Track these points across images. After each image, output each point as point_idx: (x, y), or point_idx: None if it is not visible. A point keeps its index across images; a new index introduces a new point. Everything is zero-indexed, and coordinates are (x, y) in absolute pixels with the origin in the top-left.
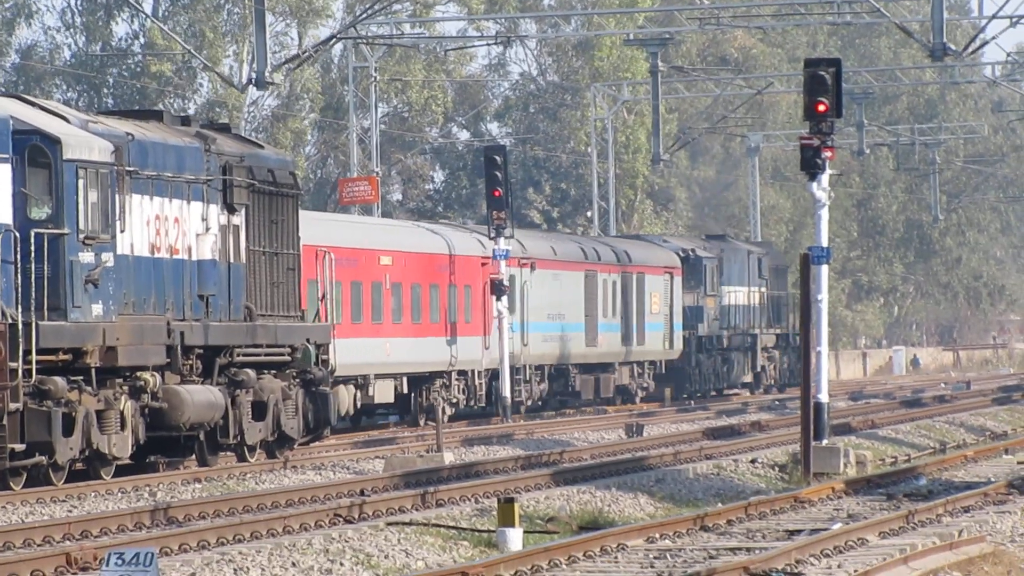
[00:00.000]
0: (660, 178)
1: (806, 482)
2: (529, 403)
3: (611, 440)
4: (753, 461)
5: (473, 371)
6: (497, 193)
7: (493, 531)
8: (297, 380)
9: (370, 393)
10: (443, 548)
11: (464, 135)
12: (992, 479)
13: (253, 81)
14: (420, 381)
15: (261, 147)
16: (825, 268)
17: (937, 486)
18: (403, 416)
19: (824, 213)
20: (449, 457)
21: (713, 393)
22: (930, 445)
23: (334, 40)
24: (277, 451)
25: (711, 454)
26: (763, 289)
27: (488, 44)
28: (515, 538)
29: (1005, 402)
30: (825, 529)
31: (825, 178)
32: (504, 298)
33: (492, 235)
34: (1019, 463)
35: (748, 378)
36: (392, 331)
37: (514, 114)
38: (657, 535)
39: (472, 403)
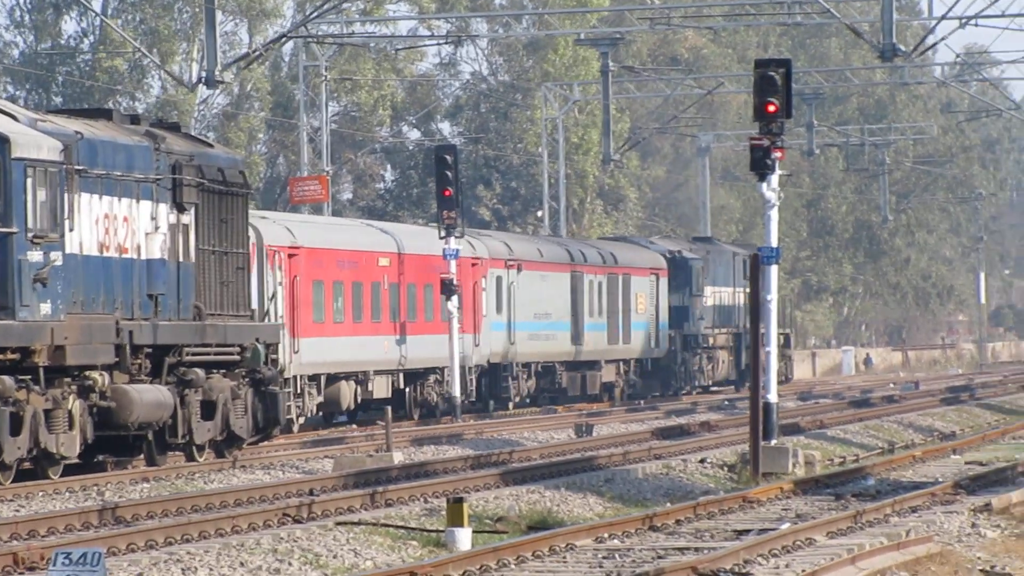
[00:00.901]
0: (610, 178)
1: (755, 482)
2: (517, 399)
3: (561, 440)
4: (702, 461)
5: (465, 367)
6: (448, 192)
7: (442, 531)
8: (247, 379)
9: (369, 388)
10: (392, 548)
11: (415, 134)
12: (940, 479)
13: (203, 80)
14: (415, 377)
15: (211, 146)
16: (775, 268)
17: (885, 486)
18: (397, 411)
19: (774, 213)
20: (399, 457)
21: (699, 390)
22: (879, 445)
23: (284, 39)
24: (226, 451)
25: (660, 454)
26: (747, 289)
27: (439, 43)
28: (464, 538)
29: (953, 402)
30: (773, 529)
31: (775, 178)
32: (455, 298)
33: (442, 235)
34: (967, 463)
35: (733, 376)
36: (390, 329)
37: (465, 113)
38: (606, 535)
39: (464, 398)
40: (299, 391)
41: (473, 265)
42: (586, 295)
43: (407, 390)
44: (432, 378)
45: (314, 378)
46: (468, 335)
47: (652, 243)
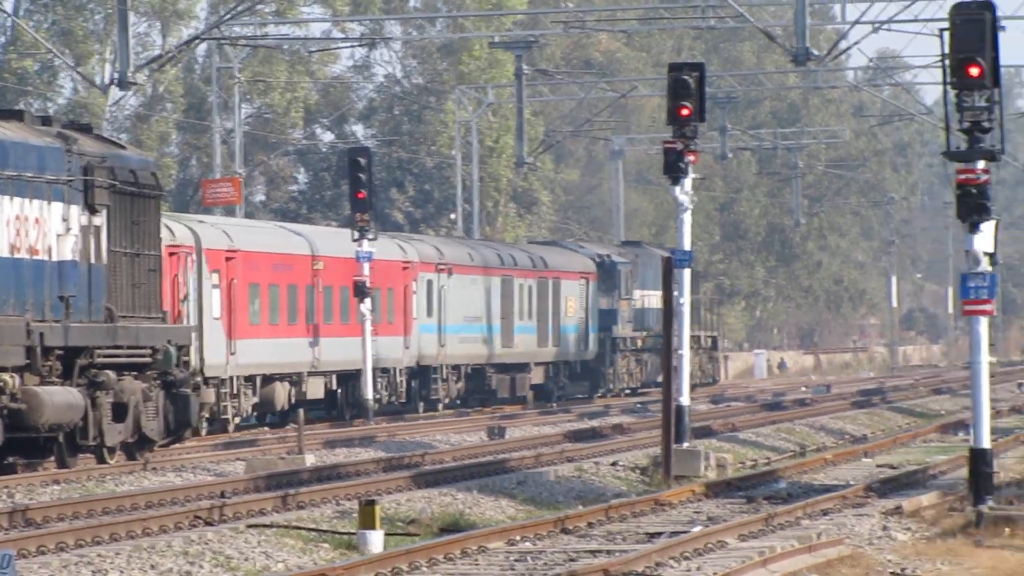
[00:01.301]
0: (524, 181)
1: (667, 485)
2: (447, 400)
3: (473, 442)
4: (614, 464)
5: (395, 369)
6: (361, 195)
7: (354, 533)
8: (158, 382)
9: (303, 389)
10: (304, 550)
11: (328, 137)
12: (851, 482)
13: (115, 81)
14: (347, 378)
15: (123, 148)
16: (688, 271)
17: (797, 489)
18: (330, 411)
19: (687, 217)
20: (311, 459)
21: (627, 391)
22: (790, 448)
23: (197, 40)
24: (137, 453)
25: (573, 457)
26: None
27: (352, 46)
28: (376, 540)
29: (864, 405)
30: (685, 532)
31: (688, 182)
32: (367, 300)
33: (355, 237)
34: (878, 466)
35: (661, 378)
36: (324, 331)
37: (379, 116)
38: (518, 537)
39: (394, 399)
40: (235, 392)
41: (404, 269)
42: (516, 299)
43: (338, 391)
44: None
45: (250, 379)
46: (398, 337)
47: (582, 247)
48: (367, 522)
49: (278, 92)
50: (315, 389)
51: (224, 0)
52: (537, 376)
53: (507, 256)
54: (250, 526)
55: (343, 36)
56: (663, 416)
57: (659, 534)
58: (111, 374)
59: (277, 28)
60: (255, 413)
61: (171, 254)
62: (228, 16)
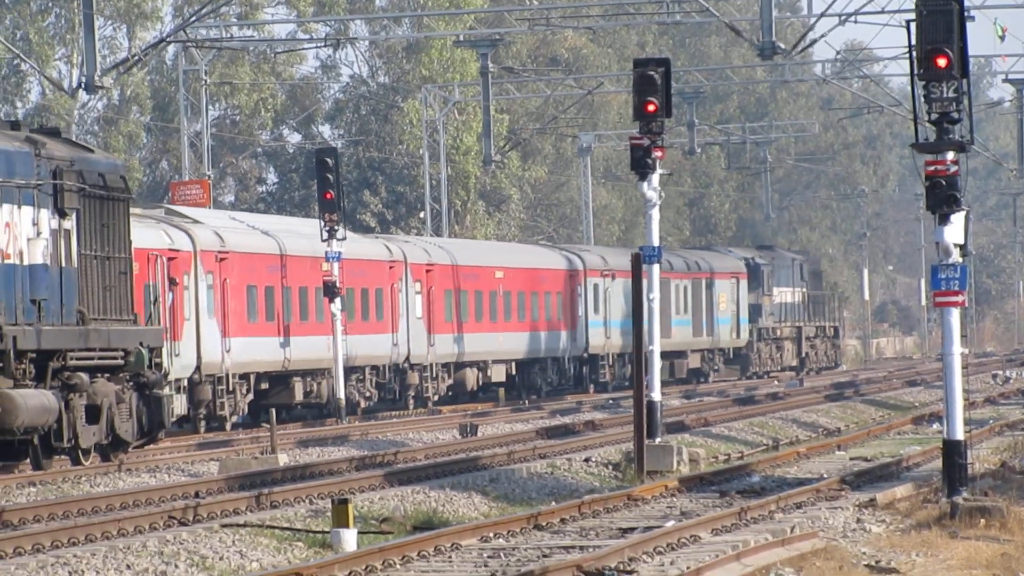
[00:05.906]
0: (492, 179)
1: (639, 480)
2: (614, 382)
3: (446, 440)
4: (587, 460)
5: (564, 356)
6: (329, 196)
7: (327, 532)
8: (131, 383)
9: (488, 374)
10: (278, 549)
11: (296, 137)
12: (824, 475)
13: (83, 85)
14: (527, 365)
15: (91, 151)
16: (657, 267)
17: (770, 483)
18: (510, 393)
19: (655, 213)
20: (284, 459)
21: (766, 374)
22: (763, 442)
23: (163, 43)
24: (111, 454)
25: (545, 453)
26: (804, 289)
27: (318, 47)
28: (349, 539)
29: (837, 399)
30: (658, 527)
31: (656, 178)
32: (338, 300)
33: (324, 237)
34: (851, 459)
35: (795, 363)
36: (505, 327)
37: (346, 116)
38: (491, 534)
39: (563, 382)
40: (435, 376)
41: (571, 276)
42: (672, 296)
43: (516, 376)
44: (536, 367)
45: (446, 365)
46: (564, 331)
47: (731, 251)
48: (340, 521)
49: (244, 93)
50: (498, 373)
51: (189, 2)
52: (694, 361)
53: (664, 261)
54: (224, 526)
55: (308, 37)
56: (635, 412)
57: (632, 529)
58: (84, 376)
59: (242, 30)
60: (449, 392)
61: (390, 267)
62: (193, 19)
